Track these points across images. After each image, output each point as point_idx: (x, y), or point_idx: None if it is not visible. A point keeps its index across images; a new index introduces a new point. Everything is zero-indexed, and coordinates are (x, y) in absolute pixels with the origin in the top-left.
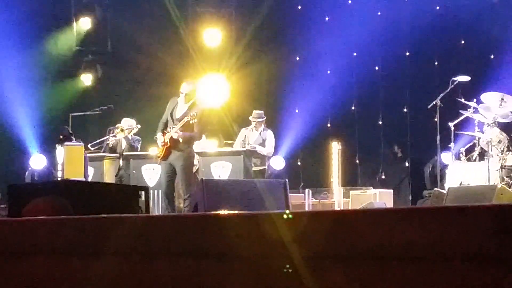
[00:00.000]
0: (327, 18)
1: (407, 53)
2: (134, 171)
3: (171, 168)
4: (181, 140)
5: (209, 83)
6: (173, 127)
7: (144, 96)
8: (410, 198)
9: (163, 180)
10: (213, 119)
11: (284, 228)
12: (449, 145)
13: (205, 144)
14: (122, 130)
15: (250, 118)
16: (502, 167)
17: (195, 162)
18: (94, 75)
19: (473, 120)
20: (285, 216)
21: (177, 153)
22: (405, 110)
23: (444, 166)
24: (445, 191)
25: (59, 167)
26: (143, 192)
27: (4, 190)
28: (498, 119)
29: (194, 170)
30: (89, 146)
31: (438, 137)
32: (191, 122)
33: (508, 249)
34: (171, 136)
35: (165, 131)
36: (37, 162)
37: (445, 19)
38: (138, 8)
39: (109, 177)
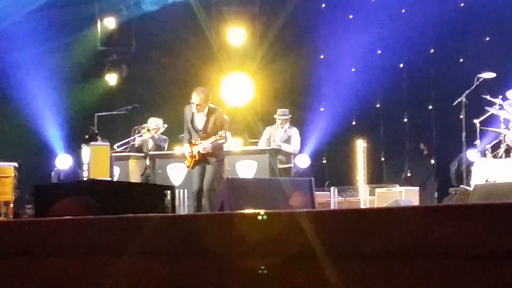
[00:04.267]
0: (351, 16)
1: (432, 50)
2: (159, 171)
3: (203, 169)
4: (211, 151)
5: (233, 82)
6: (197, 140)
7: (169, 95)
8: (436, 195)
9: (195, 180)
10: (238, 117)
11: (311, 226)
12: (475, 142)
13: (230, 143)
14: (148, 130)
15: (275, 116)
16: None
17: None
18: (119, 74)
19: (498, 117)
20: (312, 213)
21: (210, 160)
22: (430, 107)
23: (470, 163)
24: (471, 188)
25: (85, 167)
26: (169, 191)
27: (31, 190)
28: None
29: None
30: (115, 147)
31: (463, 134)
32: (219, 142)
33: None
34: (199, 151)
35: (192, 142)
36: (63, 162)
37: (470, 15)
38: (162, 7)
39: (134, 177)
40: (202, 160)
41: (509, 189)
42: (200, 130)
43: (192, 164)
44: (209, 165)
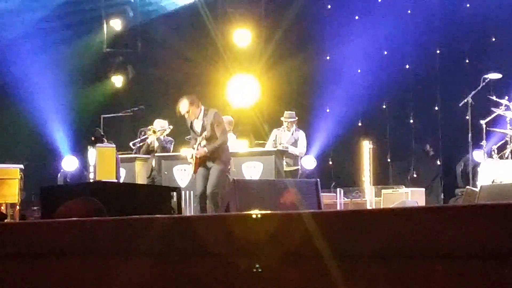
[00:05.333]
0: (357, 17)
1: (438, 51)
2: (166, 172)
3: (207, 171)
4: (208, 154)
5: (239, 83)
6: (194, 145)
7: (176, 97)
8: (442, 196)
9: (199, 182)
10: (243, 119)
11: (320, 226)
12: (481, 143)
13: (236, 144)
14: (154, 131)
15: (282, 118)
16: None
17: None
18: (125, 76)
19: (505, 117)
20: (322, 215)
21: (212, 163)
22: (436, 108)
23: (476, 164)
24: (477, 189)
25: (91, 169)
26: (175, 193)
27: (37, 192)
28: None
29: None
30: (130, 144)
31: (469, 135)
32: (206, 121)
33: None
34: (196, 156)
35: (194, 146)
36: (69, 164)
37: (476, 16)
38: (168, 9)
39: (141, 178)
40: (202, 163)
41: None
42: (199, 134)
43: (194, 167)
44: (213, 168)
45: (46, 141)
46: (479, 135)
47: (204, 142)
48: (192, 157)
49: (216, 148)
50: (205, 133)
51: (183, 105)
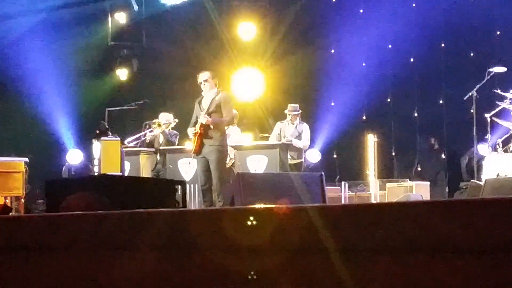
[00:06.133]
0: (361, 11)
1: (442, 45)
2: (170, 166)
3: (206, 163)
4: (211, 126)
5: (244, 76)
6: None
7: (180, 90)
8: (447, 190)
9: (200, 175)
10: (248, 112)
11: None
12: (486, 137)
13: (240, 138)
14: (159, 125)
15: (286, 111)
16: None
17: (231, 155)
18: (130, 69)
19: (509, 111)
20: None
21: (210, 146)
22: (441, 102)
23: (481, 158)
24: (482, 183)
25: (96, 162)
26: (179, 186)
27: (42, 185)
28: None
29: (230, 164)
30: (125, 142)
31: (474, 129)
32: (216, 98)
33: None
34: (201, 123)
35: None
36: (74, 157)
37: (480, 9)
38: (173, 2)
39: (145, 172)
40: (204, 136)
41: None
42: (205, 109)
43: (195, 145)
44: (212, 163)
45: (51, 134)
46: (484, 129)
47: (204, 113)
48: (195, 131)
49: (221, 122)
50: (209, 105)
51: (204, 74)
